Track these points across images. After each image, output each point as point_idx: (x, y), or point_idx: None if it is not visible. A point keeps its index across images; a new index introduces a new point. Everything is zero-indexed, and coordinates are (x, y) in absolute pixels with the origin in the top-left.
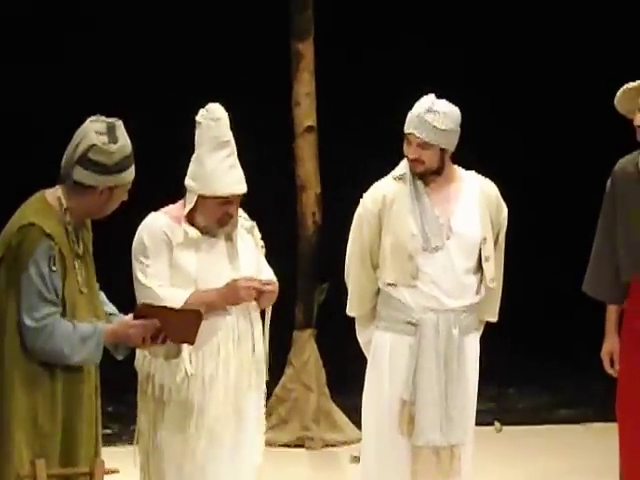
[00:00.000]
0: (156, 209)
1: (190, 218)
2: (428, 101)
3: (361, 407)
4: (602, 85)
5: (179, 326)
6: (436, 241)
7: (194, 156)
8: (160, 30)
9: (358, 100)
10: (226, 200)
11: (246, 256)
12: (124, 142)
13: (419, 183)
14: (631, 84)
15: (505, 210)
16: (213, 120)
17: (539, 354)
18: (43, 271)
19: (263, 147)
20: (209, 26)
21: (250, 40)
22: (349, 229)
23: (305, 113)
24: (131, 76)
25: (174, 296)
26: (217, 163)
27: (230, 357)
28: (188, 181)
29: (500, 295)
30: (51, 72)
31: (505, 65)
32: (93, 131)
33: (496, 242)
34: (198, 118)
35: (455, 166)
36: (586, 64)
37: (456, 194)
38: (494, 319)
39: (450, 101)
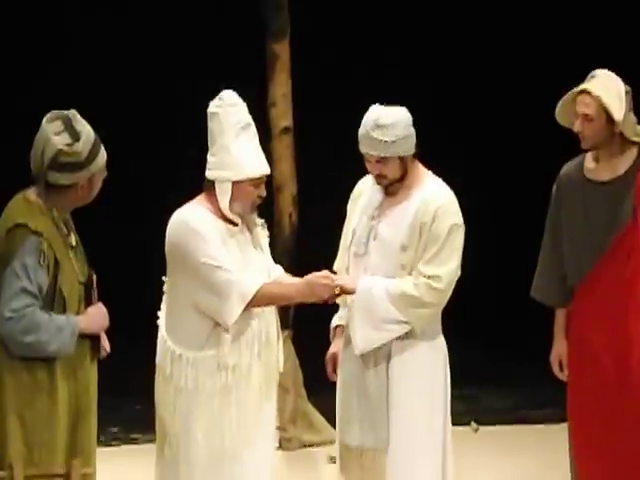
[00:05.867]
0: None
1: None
2: (373, 116)
3: None
4: (548, 85)
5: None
6: (359, 247)
7: (216, 146)
8: (136, 31)
9: (334, 101)
10: (258, 182)
11: (265, 248)
12: (86, 134)
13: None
14: (564, 98)
15: (446, 222)
16: (231, 106)
17: (513, 354)
18: (27, 263)
19: None
20: (185, 27)
21: (226, 41)
22: (325, 229)
23: (281, 114)
24: (108, 78)
25: (249, 282)
26: (245, 146)
27: (262, 349)
28: (216, 173)
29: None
30: None
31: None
32: (52, 134)
33: (439, 252)
34: (213, 109)
35: (424, 172)
36: (531, 65)
37: (399, 200)
38: None
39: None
